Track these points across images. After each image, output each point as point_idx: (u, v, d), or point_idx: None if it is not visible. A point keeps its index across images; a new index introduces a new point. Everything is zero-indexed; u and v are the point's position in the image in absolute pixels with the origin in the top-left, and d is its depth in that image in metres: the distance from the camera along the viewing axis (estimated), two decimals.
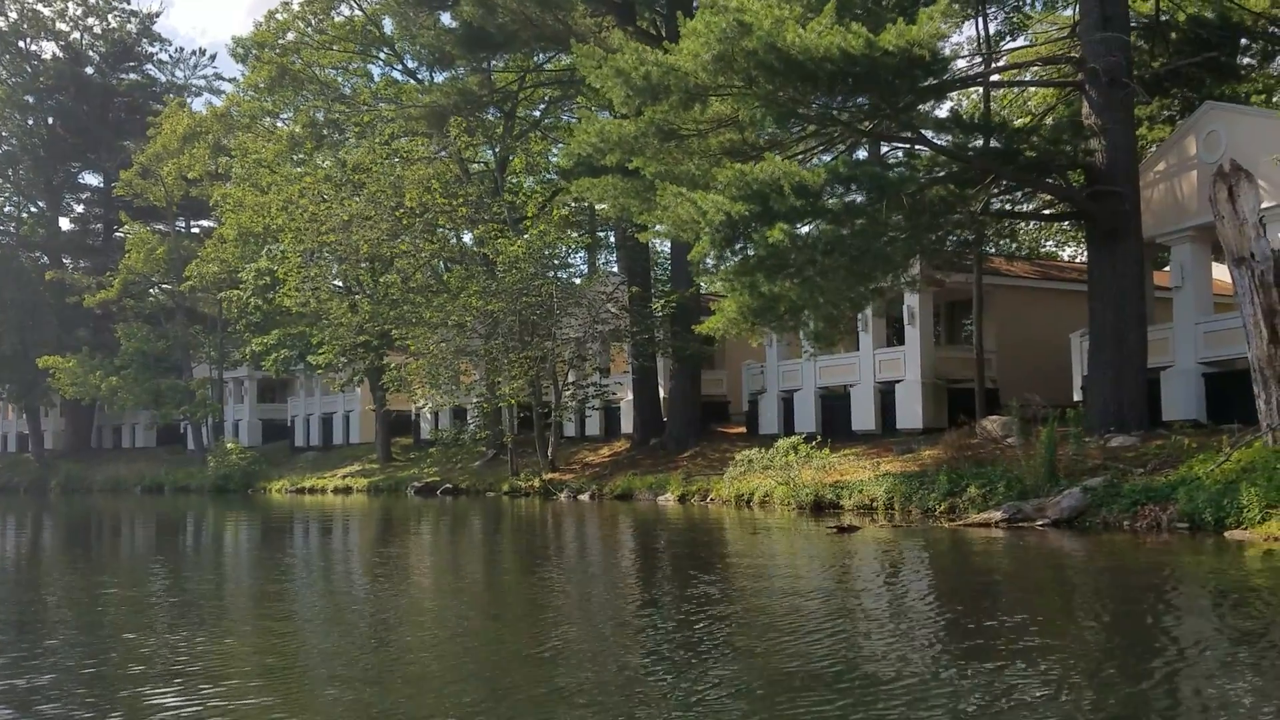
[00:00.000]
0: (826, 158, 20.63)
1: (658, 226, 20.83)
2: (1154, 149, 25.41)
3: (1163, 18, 25.32)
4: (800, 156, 19.75)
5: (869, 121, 18.49)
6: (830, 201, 15.34)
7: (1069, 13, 32.71)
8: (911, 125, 19.87)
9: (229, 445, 44.31)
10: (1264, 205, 15.59)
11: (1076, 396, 23.39)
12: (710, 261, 17.47)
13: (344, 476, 38.27)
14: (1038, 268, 31.92)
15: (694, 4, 28.71)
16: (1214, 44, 25.31)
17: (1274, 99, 29.01)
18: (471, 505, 26.79)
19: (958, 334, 30.35)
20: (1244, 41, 26.92)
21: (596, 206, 40.19)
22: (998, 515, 14.84)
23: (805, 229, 16.70)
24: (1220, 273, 25.71)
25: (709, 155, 18.42)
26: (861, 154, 23.91)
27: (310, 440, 48.05)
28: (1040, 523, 14.39)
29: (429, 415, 41.49)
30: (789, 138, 19.31)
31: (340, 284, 38.66)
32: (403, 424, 43.75)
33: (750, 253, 16.71)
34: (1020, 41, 31.77)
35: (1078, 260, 40.11)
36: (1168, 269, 27.82)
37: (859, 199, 15.91)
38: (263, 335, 41.07)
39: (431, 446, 37.00)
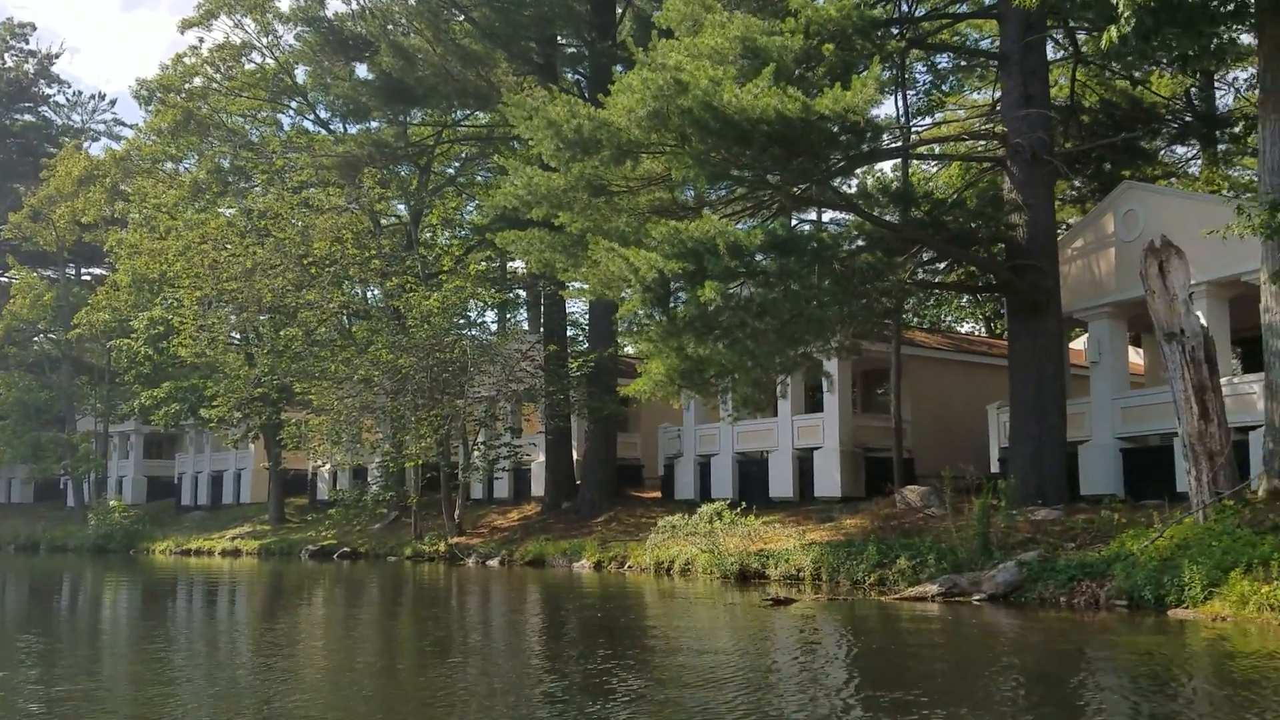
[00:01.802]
0: (751, 222, 20.43)
1: (580, 284, 20.30)
2: (1064, 227, 26.01)
3: (1076, 100, 26.09)
4: (727, 219, 19.49)
5: (798, 187, 18.33)
6: (765, 263, 14.96)
7: (978, 96, 33.71)
8: (839, 193, 19.85)
9: (112, 503, 41.83)
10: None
11: (994, 468, 23.39)
12: (638, 320, 16.90)
13: (233, 538, 36.29)
14: (950, 340, 32.29)
15: (618, 68, 28.63)
16: (1124, 127, 26.18)
17: (1174, 182, 30.13)
18: (371, 571, 25.40)
19: (872, 403, 30.35)
20: (1149, 126, 27.94)
21: (516, 262, 39.60)
22: (934, 589, 14.41)
23: (734, 290, 16.30)
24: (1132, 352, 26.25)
25: (638, 213, 17.98)
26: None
27: (198, 499, 45.80)
28: (976, 597, 14.00)
29: (327, 475, 39.86)
30: (719, 200, 19.05)
31: (238, 335, 37.07)
32: (298, 484, 42.00)
33: (680, 313, 16.23)
34: (928, 120, 32.60)
35: (977, 334, 40.96)
36: (1077, 345, 28.50)
37: (791, 262, 15.55)
38: (153, 388, 39.03)
39: (328, 508, 35.37)
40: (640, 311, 16.24)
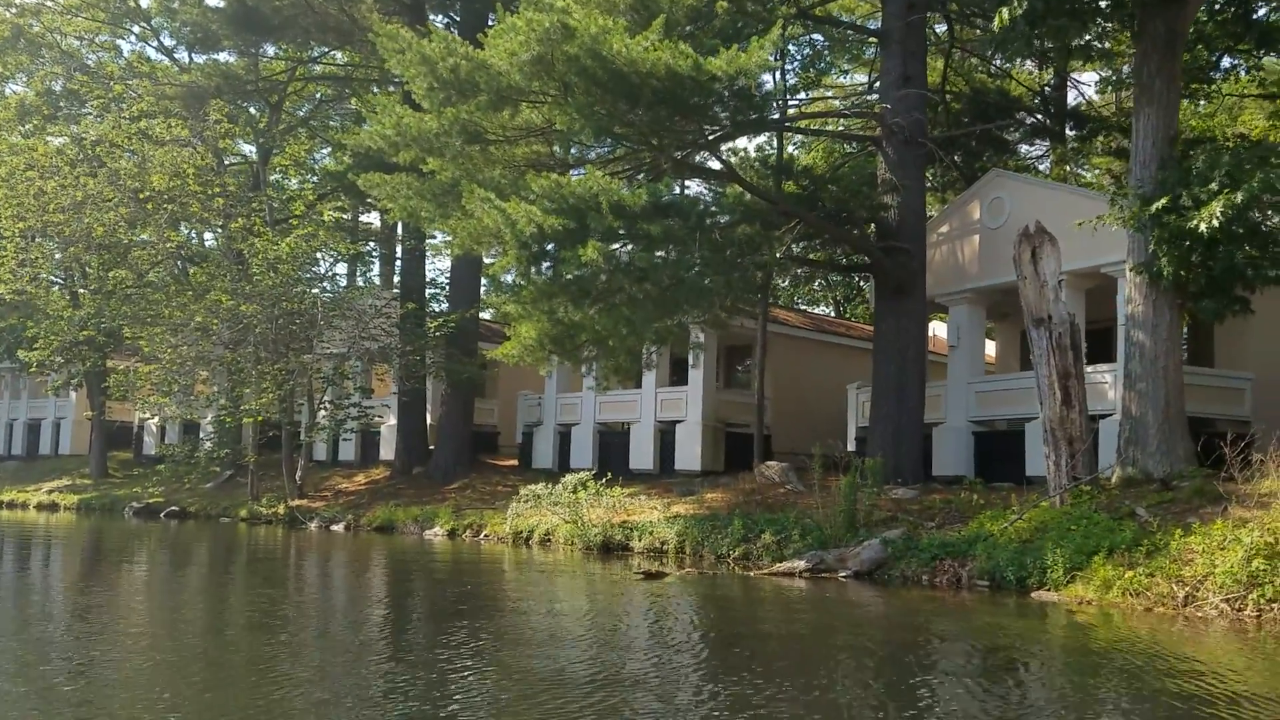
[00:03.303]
0: (628, 186, 19.85)
1: (447, 237, 19.28)
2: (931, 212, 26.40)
3: (944, 87, 26.49)
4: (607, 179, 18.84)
5: (682, 150, 17.85)
6: (651, 227, 14.38)
7: (845, 80, 34.03)
8: (722, 160, 19.47)
9: None
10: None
11: (850, 447, 23.63)
12: (510, 279, 16.09)
13: (50, 491, 33.73)
14: (810, 320, 32.58)
15: (492, 16, 27.42)
16: (985, 117, 26.74)
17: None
18: (201, 531, 23.79)
19: (733, 378, 30.34)
20: (1010, 118, 28.66)
21: (370, 215, 37.87)
22: (801, 565, 14.24)
23: (614, 252, 15.70)
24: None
25: (513, 165, 17.15)
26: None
27: (12, 448, 42.66)
28: (842, 574, 13.90)
29: (154, 428, 37.46)
30: (598, 159, 18.38)
31: (62, 274, 34.26)
32: (122, 436, 39.42)
33: (554, 274, 15.55)
34: (801, 97, 32.67)
35: (831, 316, 41.71)
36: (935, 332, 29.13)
37: (674, 226, 15.03)
38: None
39: (156, 463, 33.20)
40: (514, 270, 15.43)
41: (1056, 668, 8.54)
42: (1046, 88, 31.74)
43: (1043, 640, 9.80)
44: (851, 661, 8.66)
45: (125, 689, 7.17)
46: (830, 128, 27.79)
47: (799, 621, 11.00)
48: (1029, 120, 30.74)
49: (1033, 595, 11.97)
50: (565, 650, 8.91)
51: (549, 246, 15.16)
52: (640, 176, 19.75)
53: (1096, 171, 33.69)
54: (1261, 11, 18.83)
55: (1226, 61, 24.57)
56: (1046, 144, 33.04)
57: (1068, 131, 31.43)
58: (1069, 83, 32.42)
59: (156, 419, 35.28)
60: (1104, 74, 32.21)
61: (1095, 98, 33.71)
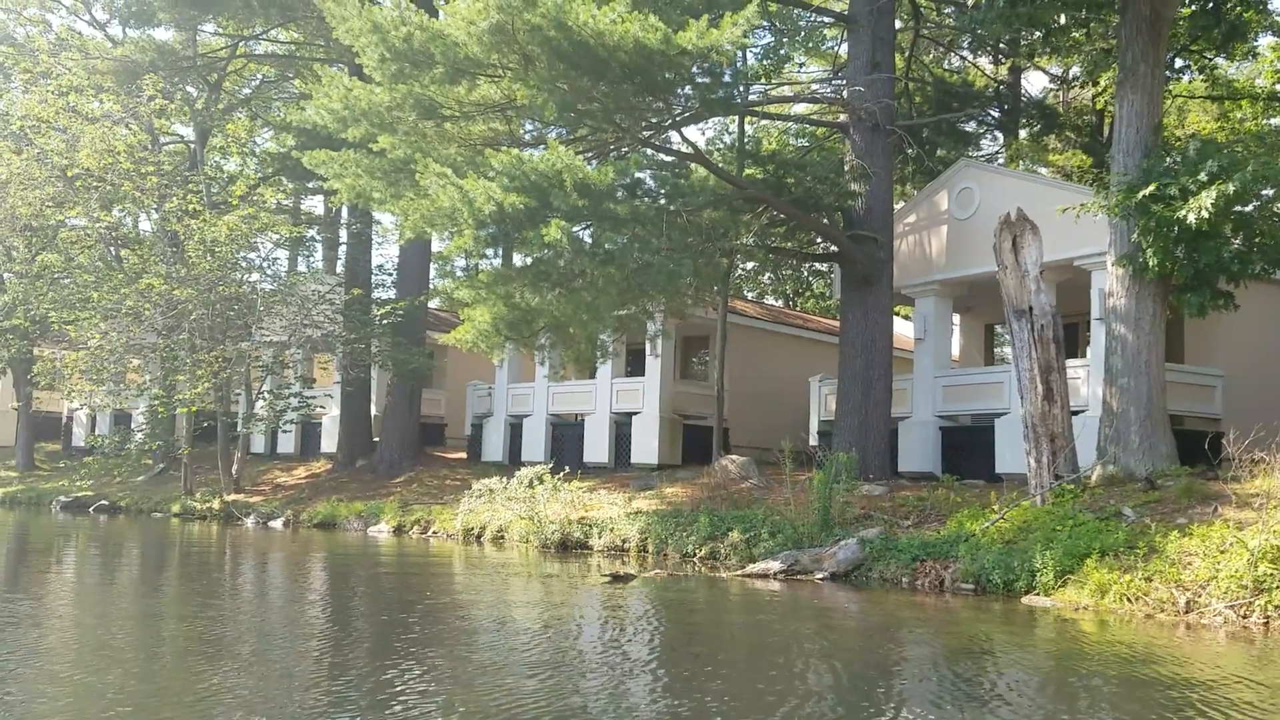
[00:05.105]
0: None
1: (395, 219, 18.25)
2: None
3: (909, 75, 25.98)
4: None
5: (647, 131, 17.04)
6: (618, 207, 13.53)
7: (800, 73, 33.41)
8: (691, 144, 18.70)
9: None
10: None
11: (813, 441, 23.07)
12: (465, 261, 15.15)
13: None
14: (767, 311, 31.99)
15: None
16: (947, 107, 26.31)
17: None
18: (132, 528, 22.48)
19: (690, 369, 29.63)
20: (971, 110, 28.29)
21: (312, 200, 36.55)
22: (775, 566, 13.53)
23: (577, 233, 14.83)
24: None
25: (470, 143, 16.20)
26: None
27: None
28: (819, 576, 13.22)
29: (84, 419, 35.84)
30: (558, 139, 17.49)
31: None
32: (51, 427, 37.71)
33: (511, 257, 14.66)
34: (762, 85, 31.98)
35: (780, 308, 41.13)
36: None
37: (641, 207, 14.22)
38: None
39: (85, 455, 31.70)
40: (470, 252, 14.49)
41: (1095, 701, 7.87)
42: (1001, 85, 31.51)
43: (1060, 657, 9.14)
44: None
45: None
46: (798, 113, 27.11)
47: (807, 640, 10.11)
48: (986, 114, 30.46)
49: (1023, 600, 11.35)
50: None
51: (508, 227, 14.25)
52: (595, 163, 18.92)
53: (1049, 169, 33.56)
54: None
55: (1179, 62, 24.37)
56: (1000, 140, 32.86)
57: (1022, 131, 31.31)
58: (1022, 82, 32.27)
59: (86, 409, 33.78)
60: (1059, 71, 32.05)
61: (1046, 99, 33.58)
